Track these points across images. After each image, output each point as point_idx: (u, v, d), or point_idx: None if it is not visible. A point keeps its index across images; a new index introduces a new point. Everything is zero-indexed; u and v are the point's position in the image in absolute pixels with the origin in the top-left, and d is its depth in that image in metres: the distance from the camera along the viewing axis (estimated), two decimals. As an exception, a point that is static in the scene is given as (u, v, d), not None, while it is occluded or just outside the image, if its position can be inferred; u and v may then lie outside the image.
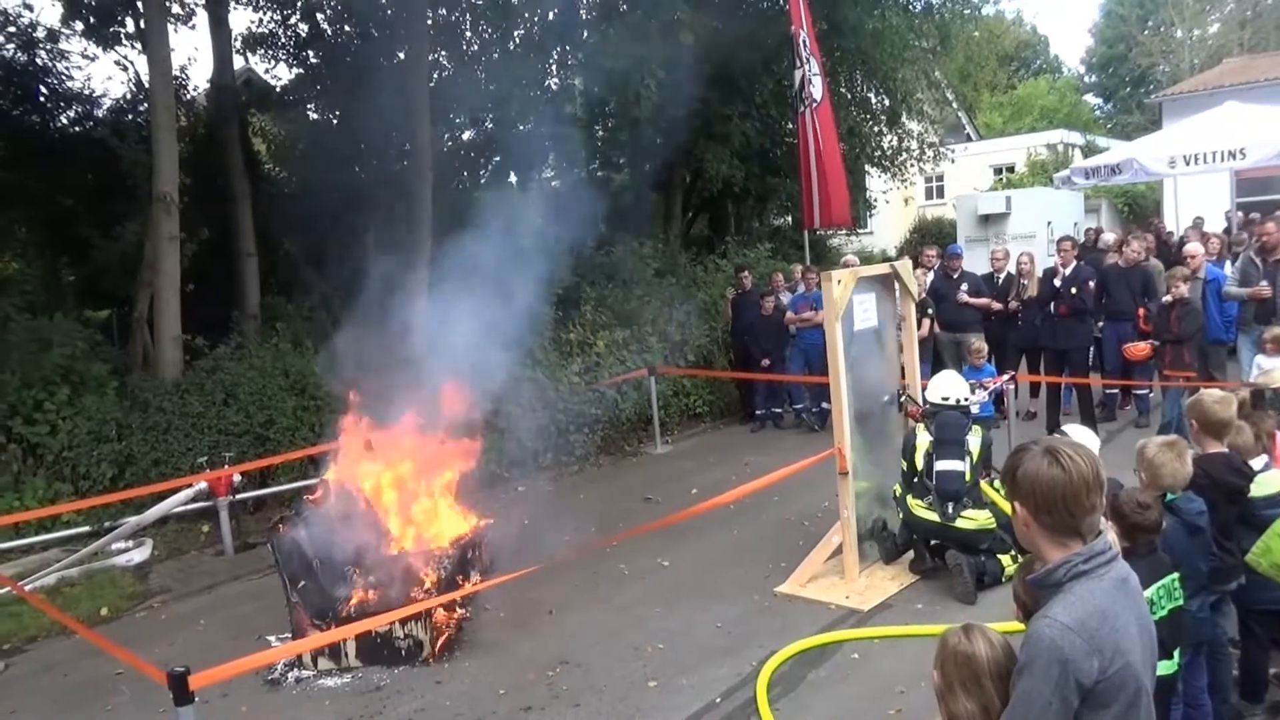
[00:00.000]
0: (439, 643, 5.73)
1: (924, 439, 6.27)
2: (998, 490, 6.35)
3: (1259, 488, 4.09)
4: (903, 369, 7.00)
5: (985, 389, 8.05)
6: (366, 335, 7.12)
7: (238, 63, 12.79)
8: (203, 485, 7.90)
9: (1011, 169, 27.62)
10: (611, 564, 6.98)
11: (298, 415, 9.19)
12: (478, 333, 8.54)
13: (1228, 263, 10.71)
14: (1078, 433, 5.76)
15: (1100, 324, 10.05)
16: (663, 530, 6.54)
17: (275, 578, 6.15)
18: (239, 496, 8.30)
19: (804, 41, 12.42)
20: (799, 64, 12.52)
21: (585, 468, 10.47)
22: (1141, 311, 9.56)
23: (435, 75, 11.67)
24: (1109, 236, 13.13)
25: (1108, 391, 10.39)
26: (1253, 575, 3.94)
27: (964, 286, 10.57)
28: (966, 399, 6.39)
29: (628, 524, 7.68)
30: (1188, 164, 12.63)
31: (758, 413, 11.65)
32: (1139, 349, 9.28)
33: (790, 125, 14.64)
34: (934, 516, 6.09)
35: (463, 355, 8.41)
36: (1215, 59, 32.14)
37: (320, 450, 7.85)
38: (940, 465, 6.11)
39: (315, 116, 13.36)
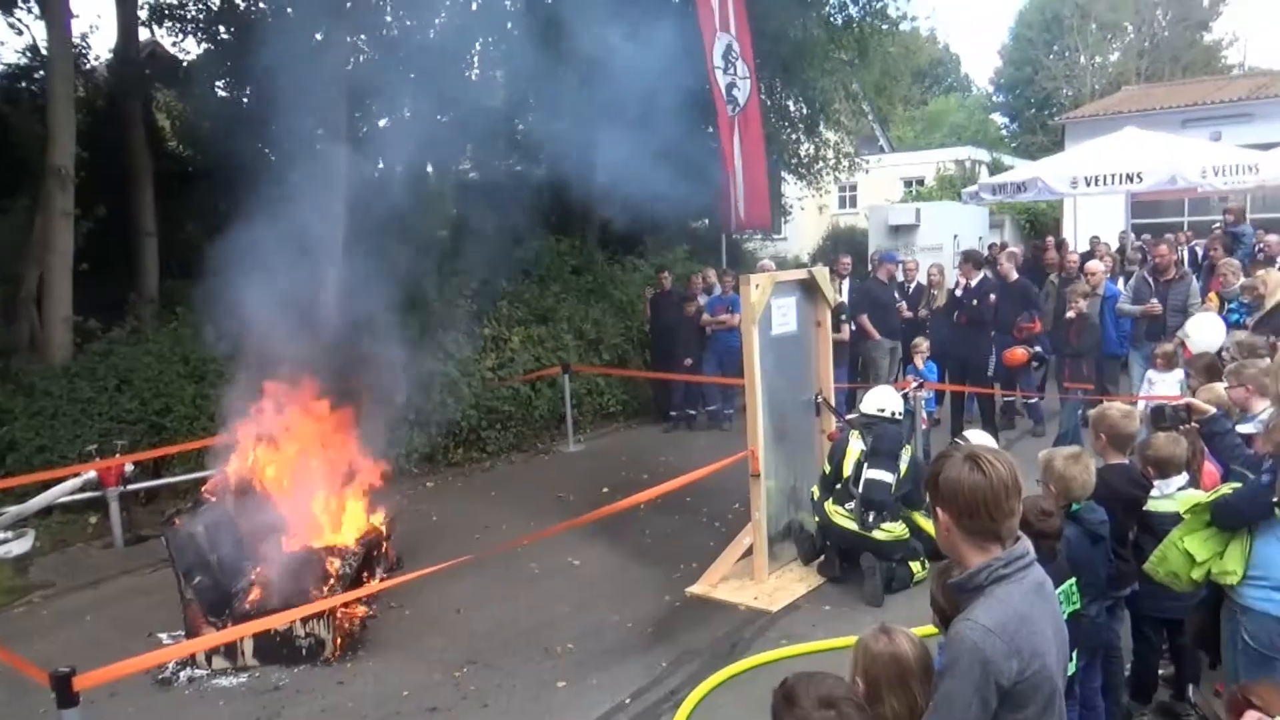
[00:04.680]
0: (341, 641, 5.56)
1: (856, 446, 6.35)
2: (925, 512, 6.50)
3: (1168, 504, 4.21)
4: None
5: (922, 388, 8.29)
6: (270, 322, 6.88)
7: (143, 34, 12.22)
8: (91, 474, 7.53)
9: (921, 182, 28.35)
10: (522, 562, 6.89)
11: (196, 404, 8.84)
12: (389, 324, 8.35)
13: (1120, 279, 11.19)
14: (976, 436, 5.95)
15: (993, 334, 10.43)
16: (574, 529, 6.49)
17: (168, 572, 5.90)
18: (131, 487, 7.92)
19: (731, 47, 12.51)
20: (725, 68, 12.58)
21: (497, 464, 10.35)
22: (1019, 322, 9.94)
23: (353, 59, 11.35)
24: (1014, 250, 13.56)
25: (1007, 400, 10.75)
26: (1146, 583, 4.09)
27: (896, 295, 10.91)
28: (899, 413, 6.51)
29: (539, 522, 7.60)
30: (1088, 185, 13.13)
31: (673, 413, 11.69)
32: (1014, 354, 9.63)
33: (710, 129, 14.71)
34: (852, 525, 6.18)
35: (373, 347, 8.23)
36: (1115, 85, 33.60)
37: (219, 440, 7.54)
38: (870, 474, 6.19)
39: (224, 94, 12.86)
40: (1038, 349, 9.85)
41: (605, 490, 8.63)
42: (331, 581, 5.65)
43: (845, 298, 10.96)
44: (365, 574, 6.18)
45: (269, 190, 7.87)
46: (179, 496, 8.16)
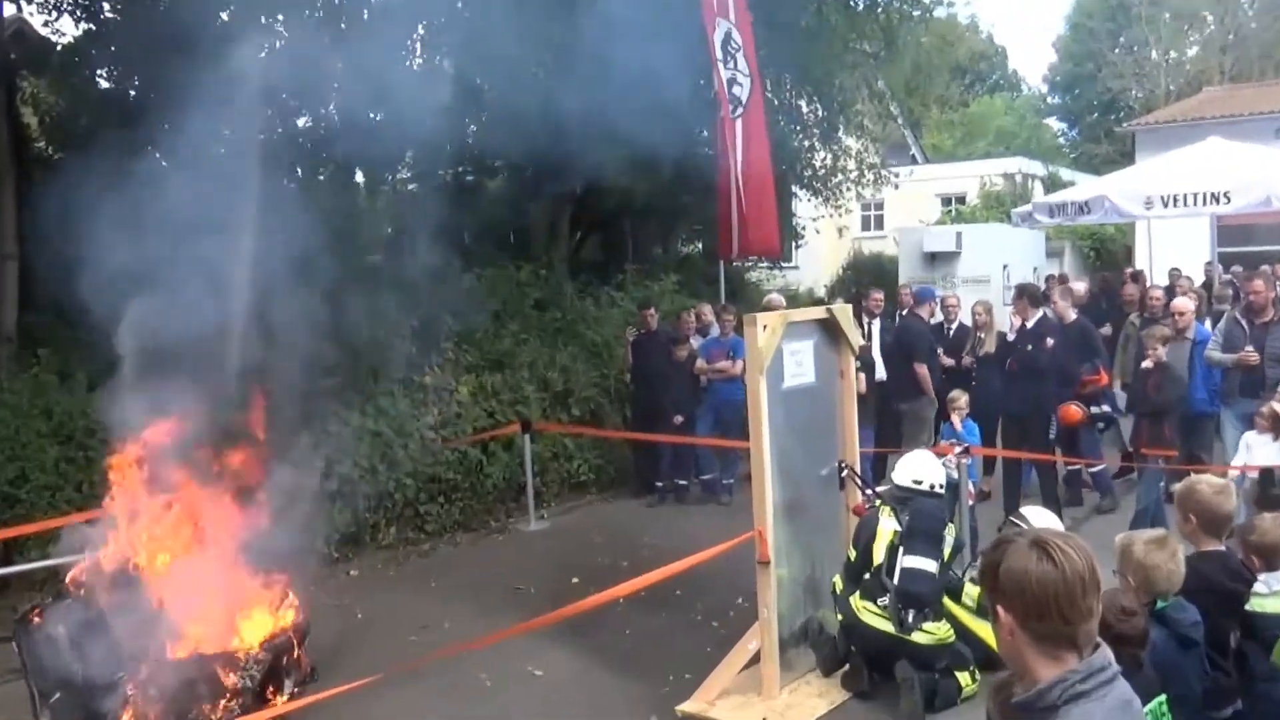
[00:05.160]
0: (240, 775, 5.44)
1: (888, 526, 6.33)
2: (966, 607, 6.48)
3: (1278, 602, 4.19)
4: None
5: (967, 454, 8.27)
6: (158, 369, 6.84)
7: (7, 10, 12.26)
8: (-77, 560, 7.41)
9: (962, 200, 28.80)
10: (470, 672, 6.80)
11: (61, 470, 8.74)
12: (306, 372, 8.30)
13: (1208, 321, 11.31)
14: (1037, 515, 5.94)
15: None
16: (537, 631, 6.42)
17: (19, 686, 5.81)
18: (-27, 576, 7.81)
19: (730, 36, 12.68)
20: (724, 59, 12.74)
21: (438, 547, 10.28)
22: (1081, 372, 10.00)
23: (268, 44, 11.43)
24: (1072, 286, 13.70)
25: (1070, 468, 10.77)
26: (1253, 699, 4.06)
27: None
28: (940, 485, 6.49)
29: (491, 620, 7.51)
30: (1165, 206, 13.32)
31: (658, 483, 11.68)
32: (1068, 411, 9.69)
33: (706, 133, 14.86)
34: (886, 625, 6.13)
35: (286, 400, 8.16)
36: (1194, 86, 34.41)
37: (88, 517, 7.44)
38: (908, 561, 6.14)
39: (107, 85, 12.91)
40: (1104, 407, 9.87)
41: (575, 580, 8.58)
42: (228, 699, 5.56)
43: (875, 341, 11.00)
44: (271, 689, 6.08)
45: (160, 204, 7.86)
46: (35, 588, 8.04)
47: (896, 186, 21.70)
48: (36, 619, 5.66)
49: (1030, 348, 9.87)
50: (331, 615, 7.85)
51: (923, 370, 10.72)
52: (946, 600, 6.34)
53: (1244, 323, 9.54)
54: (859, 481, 7.09)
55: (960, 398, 9.78)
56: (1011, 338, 10.17)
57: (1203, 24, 41.01)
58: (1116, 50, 41.19)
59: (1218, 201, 12.97)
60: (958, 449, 8.35)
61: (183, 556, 6.53)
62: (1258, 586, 4.30)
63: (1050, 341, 9.88)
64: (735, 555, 6.47)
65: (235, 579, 6.66)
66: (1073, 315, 10.58)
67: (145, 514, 6.48)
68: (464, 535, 10.63)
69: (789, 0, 14.76)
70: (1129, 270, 14.86)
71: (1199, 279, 15.27)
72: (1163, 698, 3.60)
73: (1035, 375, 9.85)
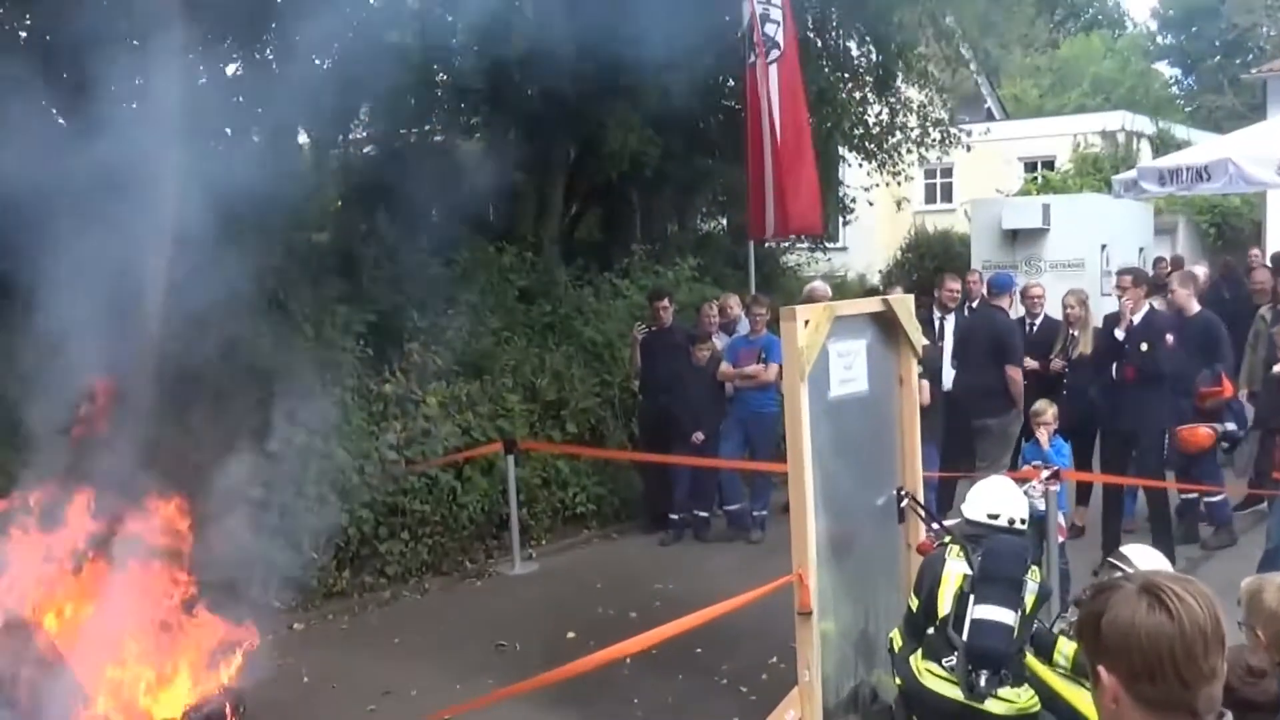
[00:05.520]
0: None
1: (956, 569, 6.29)
2: (1057, 668, 6.46)
3: None
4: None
5: (1056, 479, 8.19)
6: (54, 376, 6.87)
7: None
8: None
9: (1050, 165, 28.71)
10: (443, 749, 6.82)
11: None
12: (236, 379, 8.31)
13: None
14: (1141, 554, 5.90)
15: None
16: (524, 697, 6.45)
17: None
18: None
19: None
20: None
21: (401, 595, 10.30)
22: (1198, 383, 10.05)
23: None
24: (1194, 270, 13.66)
25: (1184, 497, 10.72)
26: None
27: None
28: (1024, 519, 6.46)
29: (468, 685, 7.55)
30: (1305, 171, 13.28)
31: (673, 516, 11.69)
32: (1195, 435, 9.64)
33: (733, 84, 14.84)
34: (953, 692, 6.10)
35: (211, 414, 8.18)
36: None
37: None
38: (980, 612, 6.10)
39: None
40: (1229, 425, 9.81)
41: (571, 635, 8.61)
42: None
43: (949, 341, 10.95)
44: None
45: (55, 167, 7.89)
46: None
47: (969, 148, 21.62)
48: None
49: (1146, 347, 9.79)
50: (272, 679, 7.83)
51: (1017, 375, 10.66)
52: (1031, 660, 6.31)
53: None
54: (922, 513, 7.08)
55: (1048, 410, 9.67)
56: (1120, 335, 10.06)
57: (1350, -57, 40.90)
58: (1243, -22, 41.11)
59: (1370, 164, 12.93)
60: (1044, 473, 8.30)
61: (90, 611, 6.55)
62: None
63: (1171, 339, 9.83)
64: (768, 605, 6.50)
65: (153, 634, 6.68)
66: (1195, 308, 10.50)
67: (38, 555, 6.51)
68: (434, 580, 10.64)
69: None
70: (1255, 252, 14.73)
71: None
72: (1299, 779, 3.61)
73: (1152, 382, 9.80)
